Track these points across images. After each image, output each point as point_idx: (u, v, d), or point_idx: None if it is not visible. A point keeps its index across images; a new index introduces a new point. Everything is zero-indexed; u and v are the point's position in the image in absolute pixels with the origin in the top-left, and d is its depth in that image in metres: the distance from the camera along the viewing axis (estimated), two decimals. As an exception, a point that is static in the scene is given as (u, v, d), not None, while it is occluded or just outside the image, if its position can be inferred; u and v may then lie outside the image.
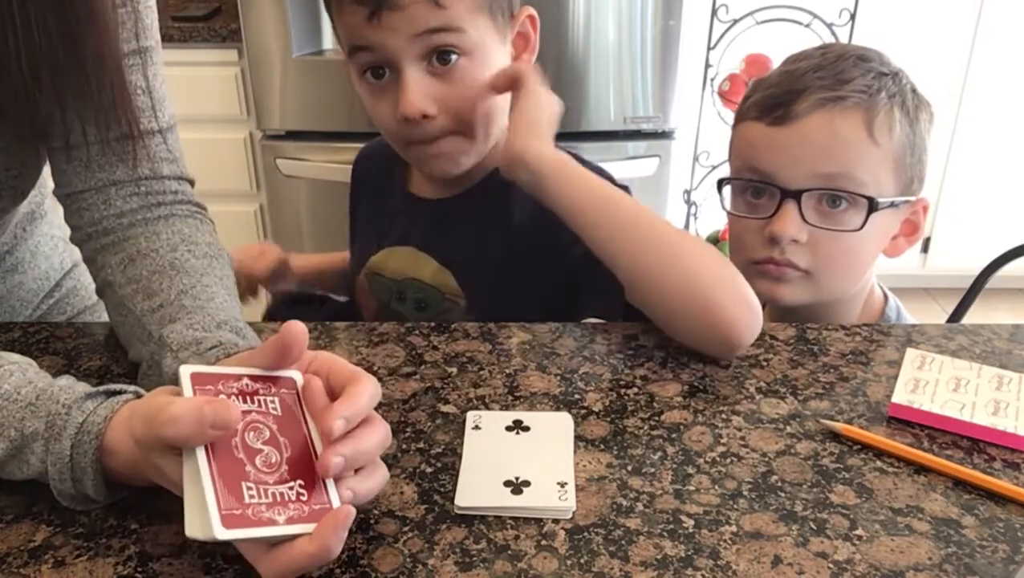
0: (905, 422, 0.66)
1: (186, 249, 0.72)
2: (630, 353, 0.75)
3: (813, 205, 0.88)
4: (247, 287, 1.05)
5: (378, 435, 0.53)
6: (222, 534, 0.46)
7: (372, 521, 0.56)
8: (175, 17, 2.06)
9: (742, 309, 0.72)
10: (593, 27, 1.91)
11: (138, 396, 0.57)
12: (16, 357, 0.60)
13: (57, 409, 0.55)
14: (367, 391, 0.52)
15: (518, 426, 0.65)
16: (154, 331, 0.66)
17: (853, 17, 2.10)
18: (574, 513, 0.57)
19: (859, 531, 0.56)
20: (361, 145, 1.06)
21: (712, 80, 2.17)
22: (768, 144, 0.89)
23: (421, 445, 0.64)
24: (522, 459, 0.61)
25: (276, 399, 0.53)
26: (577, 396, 0.69)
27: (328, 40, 2.03)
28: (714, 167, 2.22)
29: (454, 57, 0.80)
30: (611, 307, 0.81)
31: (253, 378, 0.53)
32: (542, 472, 0.60)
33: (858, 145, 0.87)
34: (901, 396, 0.67)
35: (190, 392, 0.49)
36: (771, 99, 0.90)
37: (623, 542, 0.55)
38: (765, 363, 0.74)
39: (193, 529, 0.47)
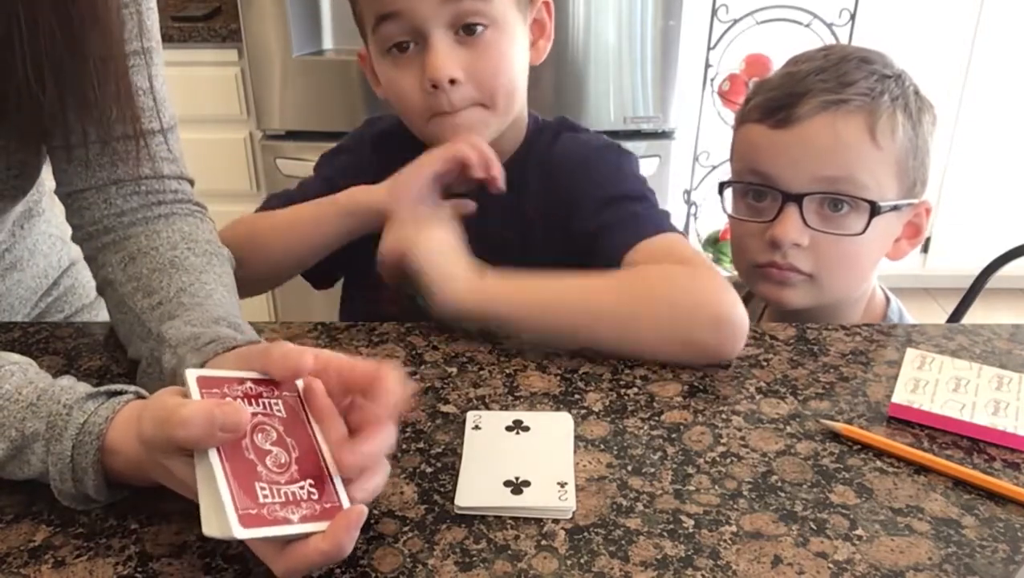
0: (905, 422, 0.66)
1: (186, 247, 0.72)
2: (630, 353, 0.75)
3: (815, 209, 0.88)
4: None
5: (386, 437, 0.53)
6: (240, 533, 0.46)
7: (372, 521, 0.56)
8: (175, 17, 2.05)
9: (724, 332, 0.72)
10: (593, 27, 1.91)
11: (139, 396, 0.57)
12: (17, 357, 0.60)
13: (58, 409, 0.55)
14: (388, 430, 0.53)
15: (518, 426, 0.65)
16: (153, 328, 0.67)
17: (853, 17, 2.10)
18: (574, 513, 0.57)
19: (859, 531, 0.56)
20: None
21: (712, 80, 2.18)
22: (770, 147, 0.89)
23: (421, 445, 0.64)
24: (522, 459, 0.61)
25: (279, 401, 0.53)
26: (577, 396, 0.69)
27: (328, 40, 2.03)
28: (714, 167, 2.22)
29: (480, 28, 0.82)
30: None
31: (256, 381, 0.53)
32: (542, 472, 0.60)
33: (860, 148, 0.86)
34: (901, 396, 0.67)
35: (197, 395, 0.50)
36: (773, 101, 0.89)
37: (623, 542, 0.55)
38: (765, 363, 0.74)
39: (211, 528, 0.48)
